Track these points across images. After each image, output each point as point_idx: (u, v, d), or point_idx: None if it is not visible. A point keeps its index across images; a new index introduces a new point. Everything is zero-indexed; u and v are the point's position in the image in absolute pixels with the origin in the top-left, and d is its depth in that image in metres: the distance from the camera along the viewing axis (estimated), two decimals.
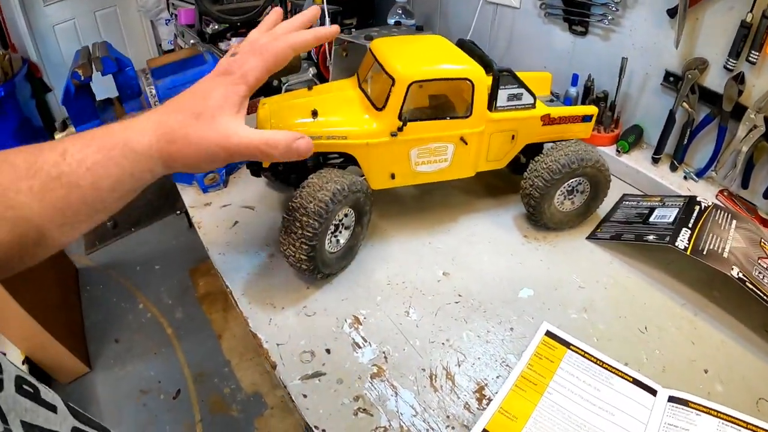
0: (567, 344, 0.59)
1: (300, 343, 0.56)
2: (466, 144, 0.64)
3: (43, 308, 1.43)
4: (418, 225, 0.73)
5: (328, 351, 0.56)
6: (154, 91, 0.74)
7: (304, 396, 0.52)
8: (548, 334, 0.60)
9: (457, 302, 0.62)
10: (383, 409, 0.51)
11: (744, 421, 0.53)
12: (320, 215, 0.55)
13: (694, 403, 0.54)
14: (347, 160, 0.66)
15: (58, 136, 0.68)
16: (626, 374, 0.57)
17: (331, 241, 0.61)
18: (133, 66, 0.74)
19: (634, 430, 0.52)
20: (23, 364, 1.45)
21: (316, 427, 0.49)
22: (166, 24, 1.89)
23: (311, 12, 0.54)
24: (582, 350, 0.58)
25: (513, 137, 0.68)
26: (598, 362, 0.58)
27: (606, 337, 0.60)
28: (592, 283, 0.66)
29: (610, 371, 0.57)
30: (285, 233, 0.57)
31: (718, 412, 0.53)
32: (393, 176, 0.65)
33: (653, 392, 0.55)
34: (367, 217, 0.64)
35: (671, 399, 0.55)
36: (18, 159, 0.39)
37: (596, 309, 0.63)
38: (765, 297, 0.59)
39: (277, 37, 0.50)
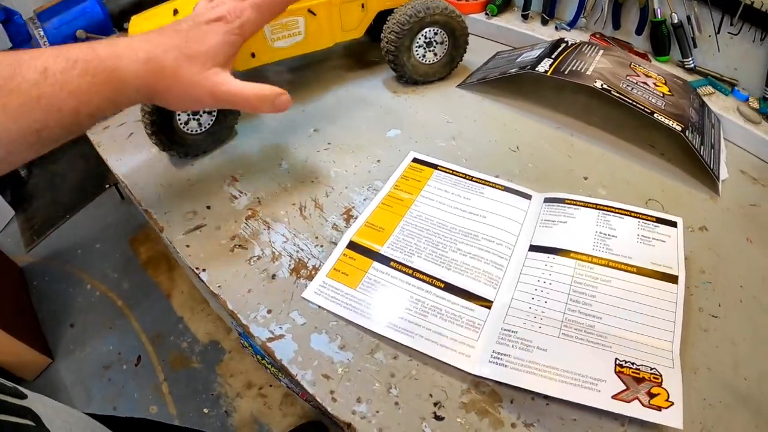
0: (434, 166, 0.61)
1: (183, 206, 0.58)
2: (315, 15, 0.67)
3: None
4: (293, 99, 0.74)
5: (208, 207, 0.58)
6: (42, 33, 0.74)
7: (187, 246, 0.54)
8: (415, 160, 0.62)
9: (326, 149, 0.64)
10: (257, 241, 0.54)
11: (627, 210, 0.54)
12: None
13: (571, 200, 0.55)
14: None
15: None
16: (497, 184, 0.59)
17: (189, 123, 0.63)
18: (21, 15, 0.75)
19: (508, 228, 0.54)
20: None
21: (197, 268, 0.52)
22: None
23: None
24: (450, 169, 0.61)
25: (363, 6, 0.70)
26: (467, 177, 0.60)
27: (475, 157, 0.63)
28: (461, 119, 0.69)
29: (480, 183, 0.59)
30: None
31: (597, 204, 0.55)
32: (253, 55, 0.67)
33: (528, 197, 0.57)
34: None
35: (547, 200, 0.56)
36: None
37: (465, 137, 0.66)
38: (634, 103, 0.60)
39: None
